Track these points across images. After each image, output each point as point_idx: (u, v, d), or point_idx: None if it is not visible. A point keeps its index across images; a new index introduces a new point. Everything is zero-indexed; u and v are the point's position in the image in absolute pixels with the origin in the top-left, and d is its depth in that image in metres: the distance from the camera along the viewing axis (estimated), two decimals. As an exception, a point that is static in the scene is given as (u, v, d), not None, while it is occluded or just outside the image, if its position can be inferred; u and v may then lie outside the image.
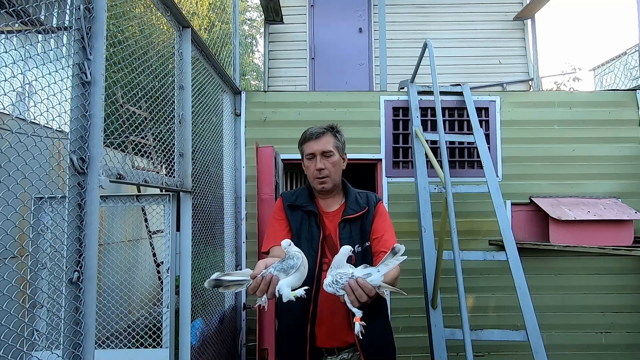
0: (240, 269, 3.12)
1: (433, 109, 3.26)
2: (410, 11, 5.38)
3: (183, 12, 1.90)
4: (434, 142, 3.21)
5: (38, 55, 1.18)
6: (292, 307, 1.61)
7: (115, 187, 3.80)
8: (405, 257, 1.28)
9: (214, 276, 1.31)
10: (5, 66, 1.10)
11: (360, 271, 1.31)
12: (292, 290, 1.26)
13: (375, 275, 1.29)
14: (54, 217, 1.90)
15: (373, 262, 1.59)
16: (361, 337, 1.28)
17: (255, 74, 17.73)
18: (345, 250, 1.35)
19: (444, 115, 3.27)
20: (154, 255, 4.51)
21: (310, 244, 1.60)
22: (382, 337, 1.63)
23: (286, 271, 1.28)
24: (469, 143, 3.23)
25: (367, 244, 1.62)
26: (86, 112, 1.15)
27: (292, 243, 1.36)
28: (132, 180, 1.40)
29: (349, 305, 1.27)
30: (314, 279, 1.55)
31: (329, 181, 1.64)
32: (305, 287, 1.29)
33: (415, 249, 2.95)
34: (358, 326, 1.27)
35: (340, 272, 1.31)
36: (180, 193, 1.92)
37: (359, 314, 1.28)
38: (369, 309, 1.54)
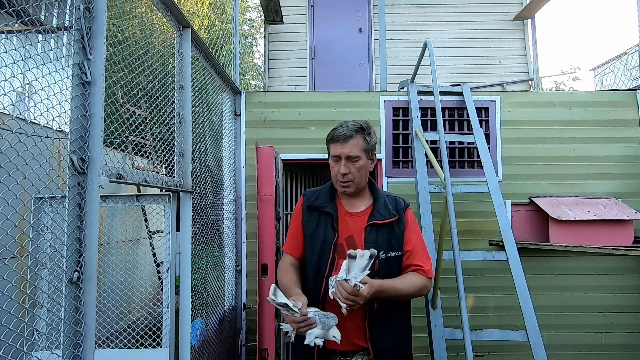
0: (240, 269, 3.12)
1: (433, 109, 3.26)
2: (410, 11, 5.38)
3: (183, 12, 1.90)
4: (434, 142, 3.21)
5: (38, 55, 1.18)
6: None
7: (115, 187, 3.80)
8: (364, 257, 1.38)
9: (279, 299, 1.42)
10: (5, 66, 1.10)
11: (352, 275, 1.40)
12: (316, 338, 1.42)
13: (351, 280, 1.39)
14: (54, 217, 1.90)
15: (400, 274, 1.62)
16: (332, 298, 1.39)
17: (255, 74, 17.72)
18: (353, 255, 1.42)
19: (444, 115, 3.27)
20: (154, 255, 4.51)
21: (323, 246, 1.58)
22: (396, 346, 1.59)
23: (324, 326, 1.42)
24: (469, 143, 3.23)
25: (392, 253, 1.57)
26: (86, 112, 1.15)
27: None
28: (132, 180, 1.40)
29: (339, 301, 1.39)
30: (323, 281, 1.54)
31: (352, 185, 1.59)
32: (323, 340, 1.42)
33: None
34: (343, 308, 1.39)
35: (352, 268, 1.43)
36: (180, 193, 1.92)
37: (343, 305, 1.39)
38: (386, 313, 1.56)
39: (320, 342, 1.41)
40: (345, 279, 1.38)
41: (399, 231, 1.59)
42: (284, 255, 1.72)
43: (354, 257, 1.39)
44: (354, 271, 1.39)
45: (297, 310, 1.39)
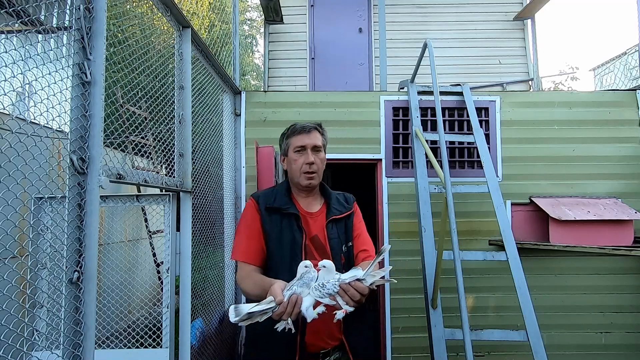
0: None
1: (433, 109, 3.26)
2: (410, 11, 5.38)
3: (183, 12, 1.90)
4: (434, 142, 3.20)
5: (38, 55, 1.18)
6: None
7: (115, 187, 3.80)
8: (385, 261, 1.31)
9: (245, 310, 1.27)
10: (5, 66, 1.10)
11: (347, 275, 1.31)
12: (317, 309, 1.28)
13: (367, 279, 1.29)
14: (54, 217, 1.90)
15: (354, 261, 1.64)
16: (339, 319, 1.27)
17: (255, 74, 17.72)
18: (331, 266, 1.32)
19: (444, 115, 3.26)
20: (154, 255, 4.51)
21: (293, 248, 1.54)
22: (367, 339, 1.69)
23: (308, 285, 1.29)
24: (469, 143, 3.22)
25: (350, 243, 1.65)
26: (86, 112, 1.15)
27: (311, 264, 1.34)
28: (132, 180, 1.40)
29: (342, 305, 1.27)
30: None
31: (317, 177, 1.62)
32: (325, 304, 1.28)
33: (415, 249, 2.95)
34: (340, 314, 1.27)
35: (328, 279, 1.30)
36: (180, 193, 1.92)
37: (349, 310, 1.27)
38: (353, 315, 1.55)
39: (321, 308, 1.27)
40: (360, 279, 1.27)
41: (350, 222, 1.68)
42: (240, 265, 1.55)
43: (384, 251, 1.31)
44: (369, 269, 1.28)
45: (274, 304, 1.27)
